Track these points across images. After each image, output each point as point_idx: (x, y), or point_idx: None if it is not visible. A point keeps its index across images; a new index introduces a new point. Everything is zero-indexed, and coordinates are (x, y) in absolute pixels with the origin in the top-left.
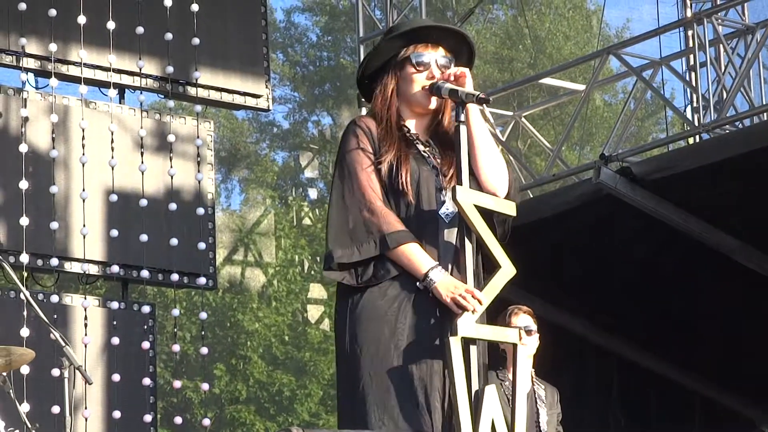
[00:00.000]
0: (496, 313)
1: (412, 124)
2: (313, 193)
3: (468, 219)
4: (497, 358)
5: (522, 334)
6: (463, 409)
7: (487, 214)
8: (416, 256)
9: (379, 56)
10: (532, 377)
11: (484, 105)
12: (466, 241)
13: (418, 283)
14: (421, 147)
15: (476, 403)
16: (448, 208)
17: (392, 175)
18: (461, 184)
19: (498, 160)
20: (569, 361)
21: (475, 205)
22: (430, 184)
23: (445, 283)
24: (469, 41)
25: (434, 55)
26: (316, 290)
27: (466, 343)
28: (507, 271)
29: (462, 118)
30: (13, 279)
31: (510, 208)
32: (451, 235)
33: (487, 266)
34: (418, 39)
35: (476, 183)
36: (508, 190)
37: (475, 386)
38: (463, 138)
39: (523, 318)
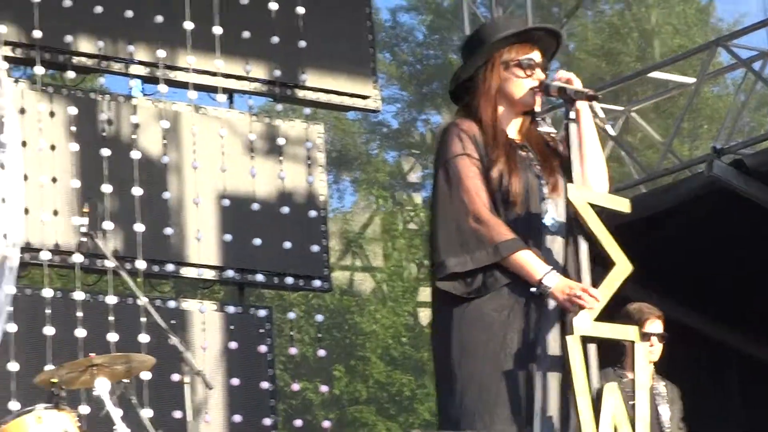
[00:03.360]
0: (614, 310)
1: (512, 125)
2: (417, 198)
3: (582, 217)
4: (616, 355)
5: (654, 340)
6: (584, 408)
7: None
8: (530, 263)
9: (479, 58)
10: (651, 374)
11: (594, 101)
12: (581, 240)
13: (533, 289)
14: (523, 153)
15: (597, 402)
16: (553, 217)
17: (502, 183)
18: (572, 182)
19: (602, 164)
20: (686, 356)
21: (589, 203)
22: (535, 193)
23: (560, 286)
24: (560, 41)
25: (537, 57)
26: (426, 293)
27: (584, 341)
28: (623, 268)
29: (572, 116)
30: (131, 286)
31: (623, 205)
32: (554, 243)
33: (602, 263)
34: (521, 40)
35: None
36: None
37: (594, 384)
38: (573, 136)
39: (657, 324)
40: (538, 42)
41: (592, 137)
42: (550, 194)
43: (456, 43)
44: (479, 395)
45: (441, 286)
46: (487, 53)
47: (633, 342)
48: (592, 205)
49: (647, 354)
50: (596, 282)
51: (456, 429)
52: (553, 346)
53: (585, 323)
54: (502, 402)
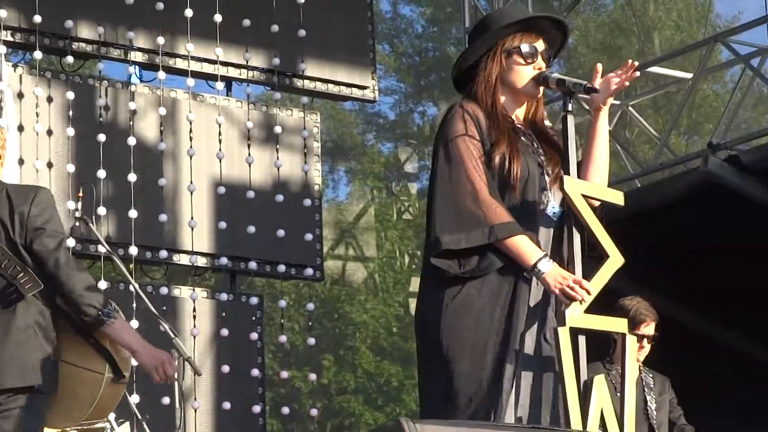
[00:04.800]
0: (603, 303)
1: (516, 113)
2: (413, 188)
3: (576, 209)
4: (604, 348)
5: (644, 342)
6: (572, 399)
7: None
8: (525, 247)
9: (481, 46)
10: (639, 367)
11: (592, 94)
12: (574, 231)
13: (525, 273)
14: (525, 140)
15: (585, 393)
16: (554, 207)
17: (503, 167)
18: (568, 174)
19: (606, 164)
20: (678, 353)
21: (583, 195)
22: (536, 182)
23: (554, 274)
24: (567, 31)
25: (540, 46)
26: (417, 284)
27: (574, 333)
28: (615, 260)
29: (569, 107)
30: (123, 271)
31: (617, 198)
32: (550, 234)
33: (595, 255)
34: (524, 29)
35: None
36: None
37: (583, 376)
38: (570, 128)
39: (651, 327)
40: (543, 32)
41: (603, 132)
42: (551, 184)
43: (455, 36)
44: (462, 382)
45: (435, 263)
46: (490, 41)
47: (623, 334)
48: (587, 197)
49: (636, 349)
50: (587, 274)
51: (435, 414)
52: (528, 341)
53: (576, 314)
54: (483, 390)
